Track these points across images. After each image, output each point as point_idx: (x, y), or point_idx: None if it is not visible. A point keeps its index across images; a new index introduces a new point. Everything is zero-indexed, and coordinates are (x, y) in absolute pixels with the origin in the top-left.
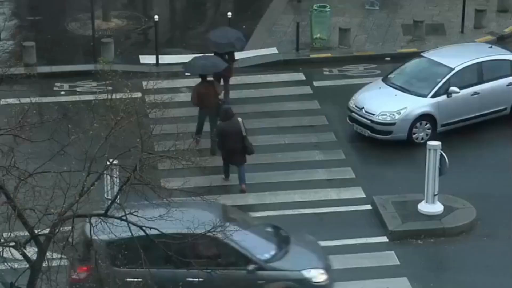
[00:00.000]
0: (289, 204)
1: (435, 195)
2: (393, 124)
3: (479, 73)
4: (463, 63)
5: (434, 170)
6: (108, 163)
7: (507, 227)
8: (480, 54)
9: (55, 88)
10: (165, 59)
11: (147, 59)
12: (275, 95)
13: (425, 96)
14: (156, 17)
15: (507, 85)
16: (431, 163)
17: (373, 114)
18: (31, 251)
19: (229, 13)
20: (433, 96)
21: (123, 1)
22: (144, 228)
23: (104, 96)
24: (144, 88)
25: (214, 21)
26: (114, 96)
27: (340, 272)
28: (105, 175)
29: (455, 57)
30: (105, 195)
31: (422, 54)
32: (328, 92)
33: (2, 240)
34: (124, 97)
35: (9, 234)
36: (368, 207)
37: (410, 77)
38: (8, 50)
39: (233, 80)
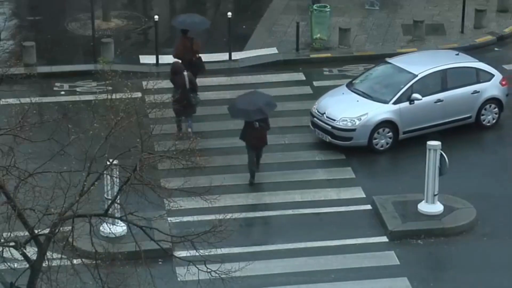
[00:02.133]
0: (289, 204)
1: (435, 195)
2: (353, 130)
3: (443, 80)
4: (426, 70)
5: (434, 170)
6: (108, 163)
7: (507, 227)
8: (446, 61)
9: (55, 88)
10: (165, 59)
11: (147, 59)
12: (275, 95)
13: (386, 102)
14: (156, 17)
15: (472, 93)
16: (431, 163)
17: (334, 120)
18: (31, 251)
19: (229, 13)
20: (395, 103)
21: (123, 1)
22: (144, 228)
23: (104, 96)
24: (144, 88)
25: (214, 21)
26: (114, 96)
27: (340, 272)
28: (105, 175)
29: (420, 63)
30: (105, 195)
31: (388, 60)
32: None
33: (2, 240)
34: (124, 97)
35: (9, 234)
36: (368, 207)
37: (374, 83)
38: (8, 50)
39: (233, 80)
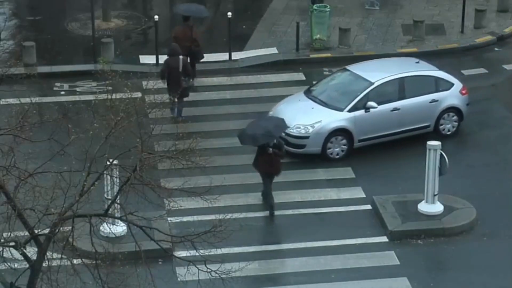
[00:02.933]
0: (289, 204)
1: (435, 195)
2: (307, 137)
3: (401, 88)
4: (383, 78)
5: (434, 170)
6: (108, 163)
7: (507, 227)
8: (405, 69)
9: (55, 88)
10: (165, 59)
11: (147, 59)
12: (275, 95)
13: (341, 110)
14: (156, 17)
15: (430, 102)
16: (431, 163)
17: (288, 127)
18: (31, 251)
19: (229, 13)
20: (350, 111)
21: (123, 1)
22: (144, 228)
23: (104, 96)
24: (144, 88)
25: (214, 21)
26: (114, 96)
27: (340, 272)
28: (105, 175)
29: (378, 71)
30: (105, 195)
31: (347, 67)
32: None
33: (2, 240)
34: (124, 97)
35: (9, 234)
36: (368, 207)
37: (331, 90)
38: (8, 50)
39: (233, 80)
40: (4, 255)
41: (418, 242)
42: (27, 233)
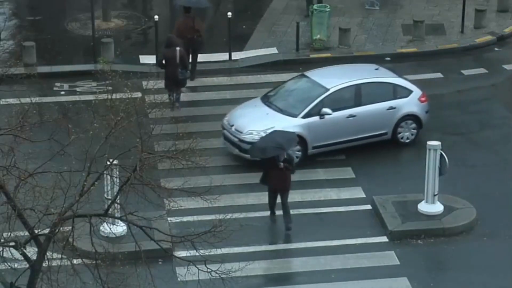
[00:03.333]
0: (289, 204)
1: (435, 195)
2: (253, 143)
3: (357, 95)
4: (339, 84)
5: (434, 170)
6: (108, 163)
7: (507, 227)
8: (362, 76)
9: (55, 88)
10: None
11: (147, 59)
12: None
13: (295, 116)
14: (156, 17)
15: (388, 109)
16: (431, 163)
17: (241, 132)
18: (31, 251)
19: (229, 13)
20: (304, 117)
21: (123, 1)
22: (144, 228)
23: (104, 96)
24: (144, 88)
25: (214, 21)
26: (114, 96)
27: (340, 272)
28: (105, 175)
29: (335, 77)
30: (105, 195)
31: (305, 73)
32: None
33: (2, 240)
34: (124, 97)
35: (9, 234)
36: (368, 207)
37: (287, 96)
38: (8, 50)
39: (233, 80)
40: (4, 255)
41: (418, 242)
42: (27, 233)
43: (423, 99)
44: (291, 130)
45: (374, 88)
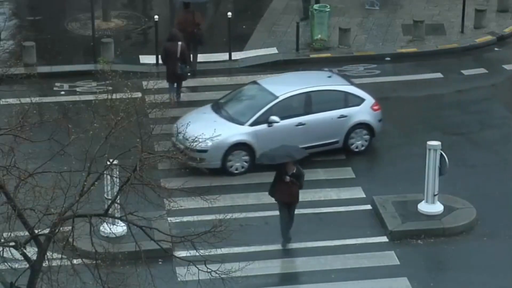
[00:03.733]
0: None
1: (435, 195)
2: (205, 151)
3: (307, 103)
4: (289, 92)
5: (434, 170)
6: (108, 163)
7: (507, 227)
8: (313, 83)
9: (55, 88)
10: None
11: (147, 59)
12: None
13: (243, 124)
14: (156, 17)
15: (339, 117)
16: (431, 163)
17: (187, 140)
18: (31, 251)
19: (229, 13)
20: (252, 125)
21: (123, 1)
22: (144, 228)
23: (104, 96)
24: (144, 88)
25: (214, 21)
26: (114, 96)
27: (340, 272)
28: (105, 175)
29: (285, 85)
30: (105, 195)
31: (257, 80)
32: None
33: (2, 240)
34: (124, 97)
35: (9, 234)
36: (368, 207)
37: (237, 103)
38: (8, 50)
39: (233, 80)
40: (4, 255)
41: (418, 242)
42: (27, 233)
43: (376, 107)
44: (238, 138)
45: (325, 96)
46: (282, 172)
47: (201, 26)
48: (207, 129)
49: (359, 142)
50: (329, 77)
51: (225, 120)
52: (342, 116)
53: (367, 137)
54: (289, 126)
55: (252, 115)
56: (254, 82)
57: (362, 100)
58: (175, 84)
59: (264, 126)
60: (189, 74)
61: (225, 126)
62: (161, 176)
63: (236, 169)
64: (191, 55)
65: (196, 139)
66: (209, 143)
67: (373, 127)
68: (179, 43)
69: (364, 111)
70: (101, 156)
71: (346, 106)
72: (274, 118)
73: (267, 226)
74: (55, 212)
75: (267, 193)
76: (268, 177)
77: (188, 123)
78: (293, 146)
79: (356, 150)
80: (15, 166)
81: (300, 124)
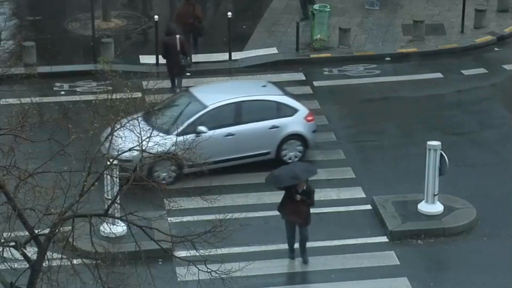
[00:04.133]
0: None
1: (435, 195)
2: (130, 161)
3: (237, 113)
4: (218, 102)
5: (434, 170)
6: (108, 163)
7: (507, 227)
8: (246, 93)
9: (55, 88)
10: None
11: (147, 59)
12: None
13: (170, 133)
14: (156, 17)
15: (270, 128)
16: (431, 163)
17: (113, 149)
18: (31, 251)
19: (229, 13)
20: (179, 135)
21: (123, 1)
22: (144, 228)
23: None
24: (144, 88)
25: (214, 21)
26: (114, 96)
27: (340, 272)
28: (105, 175)
29: (216, 94)
30: (105, 195)
31: (190, 88)
32: (328, 92)
33: (2, 240)
34: (124, 97)
35: (9, 234)
36: (368, 207)
37: (167, 112)
38: (8, 50)
39: (233, 80)
40: (4, 255)
41: (418, 242)
42: (27, 233)
43: (309, 118)
44: (164, 148)
45: (256, 106)
46: (292, 190)
47: (201, 18)
48: (132, 139)
49: (292, 154)
50: (264, 86)
51: (153, 129)
52: (273, 127)
53: (300, 148)
54: (218, 137)
55: (180, 124)
56: (187, 91)
57: (295, 110)
58: (176, 78)
59: (191, 136)
60: (189, 65)
61: (152, 136)
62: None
63: (163, 180)
64: (192, 47)
65: (121, 149)
66: (135, 153)
67: (306, 138)
68: (177, 36)
69: (297, 121)
70: (101, 156)
71: (278, 116)
72: (201, 128)
73: (267, 226)
74: (55, 212)
75: (267, 193)
76: None
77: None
78: (302, 165)
79: (295, 159)
80: (15, 166)
81: (230, 134)
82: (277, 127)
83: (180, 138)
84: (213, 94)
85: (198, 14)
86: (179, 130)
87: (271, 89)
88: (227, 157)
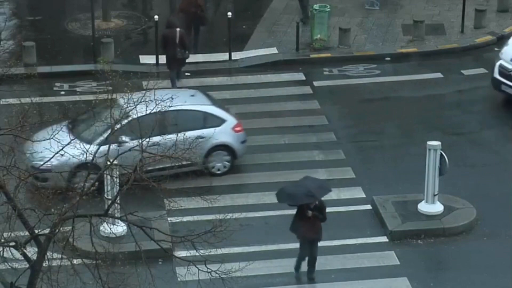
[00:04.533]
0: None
1: (435, 195)
2: (49, 170)
3: (162, 123)
4: (143, 111)
5: (434, 170)
6: (108, 163)
7: (507, 227)
8: (173, 102)
9: (55, 88)
10: (165, 59)
11: (147, 59)
12: (275, 95)
13: (91, 143)
14: (156, 17)
15: (196, 138)
16: (431, 163)
17: (33, 159)
18: (31, 251)
19: (229, 13)
20: (100, 144)
21: (123, 1)
22: (144, 228)
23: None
24: (144, 88)
25: (214, 21)
26: (114, 96)
27: (340, 272)
28: (105, 175)
29: (142, 103)
30: (105, 195)
31: (118, 98)
32: (328, 92)
33: (2, 240)
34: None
35: (9, 234)
36: (368, 207)
37: (92, 121)
38: (8, 50)
39: (233, 80)
40: (4, 255)
41: (418, 242)
42: (27, 233)
43: (237, 128)
44: (82, 158)
45: (182, 116)
46: (304, 206)
47: (203, 7)
48: (53, 148)
49: (219, 164)
50: (192, 96)
51: (75, 138)
52: (200, 137)
53: (227, 158)
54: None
55: (100, 134)
56: (115, 100)
57: (222, 121)
58: (171, 72)
59: (114, 146)
60: (189, 55)
61: (72, 145)
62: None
63: (218, 170)
64: (194, 36)
65: (41, 158)
66: (54, 162)
67: (234, 149)
68: (177, 29)
69: (225, 132)
70: (101, 156)
71: (205, 127)
72: (123, 138)
73: (267, 226)
74: (55, 212)
75: (267, 193)
76: (268, 177)
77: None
78: (315, 181)
79: (218, 172)
80: (15, 166)
81: (154, 144)
82: (203, 137)
83: (101, 149)
84: (138, 104)
85: (200, 3)
86: (100, 139)
87: (199, 99)
88: (151, 167)
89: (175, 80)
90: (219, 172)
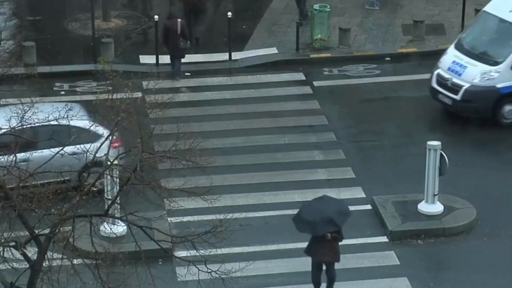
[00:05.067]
0: (289, 204)
1: (435, 195)
2: None
3: (34, 138)
4: (7, 126)
5: (434, 170)
6: (108, 163)
7: (507, 227)
8: (44, 116)
9: (55, 88)
10: (165, 59)
11: (147, 59)
12: (275, 95)
13: None
14: (156, 17)
15: (70, 154)
16: (431, 163)
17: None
18: (31, 251)
19: (229, 13)
20: None
21: (123, 1)
22: (144, 228)
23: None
24: (145, 88)
25: (214, 21)
26: (114, 96)
27: (340, 272)
28: (105, 175)
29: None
30: (105, 195)
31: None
32: (328, 92)
33: (2, 240)
34: (124, 97)
35: (9, 234)
36: (368, 207)
37: None
38: (8, 50)
39: (233, 80)
40: (4, 255)
41: (418, 242)
42: (27, 233)
43: (115, 144)
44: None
45: (54, 131)
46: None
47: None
48: None
49: (91, 180)
50: (70, 109)
51: None
52: (74, 153)
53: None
54: (9, 164)
55: None
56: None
57: (99, 136)
58: (175, 61)
59: None
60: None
61: None
62: (161, 176)
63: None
64: (194, 25)
65: None
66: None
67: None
68: (179, 20)
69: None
70: (102, 156)
71: (80, 142)
72: None
73: (267, 226)
74: (55, 212)
75: (267, 193)
76: (268, 177)
77: None
78: (334, 205)
79: (95, 189)
80: (15, 166)
81: (23, 161)
82: (77, 153)
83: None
84: (3, 118)
85: None
86: None
87: (75, 113)
88: (22, 184)
89: (179, 68)
90: (95, 189)
